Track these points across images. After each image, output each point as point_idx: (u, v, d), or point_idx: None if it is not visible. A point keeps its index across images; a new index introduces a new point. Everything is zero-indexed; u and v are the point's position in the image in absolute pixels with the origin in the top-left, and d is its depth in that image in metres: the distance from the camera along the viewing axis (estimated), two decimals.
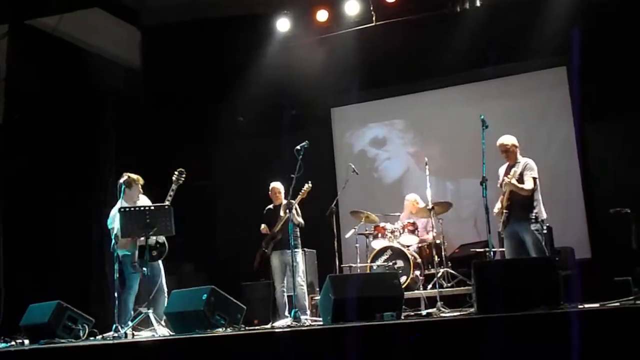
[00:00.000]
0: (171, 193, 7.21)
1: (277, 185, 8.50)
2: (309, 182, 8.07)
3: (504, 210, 6.97)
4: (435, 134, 10.50)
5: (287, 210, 7.71)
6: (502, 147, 7.14)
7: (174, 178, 7.29)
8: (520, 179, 6.92)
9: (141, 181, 7.51)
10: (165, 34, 10.37)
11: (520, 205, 6.90)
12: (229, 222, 10.94)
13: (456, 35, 9.43)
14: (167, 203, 7.05)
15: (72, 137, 9.50)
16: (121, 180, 7.30)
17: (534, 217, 6.84)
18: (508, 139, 7.16)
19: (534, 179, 6.92)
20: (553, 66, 9.89)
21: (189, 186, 7.48)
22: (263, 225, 8.43)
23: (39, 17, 8.88)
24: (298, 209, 8.12)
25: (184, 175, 7.29)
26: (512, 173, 6.91)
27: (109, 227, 7.31)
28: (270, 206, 8.59)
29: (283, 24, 10.14)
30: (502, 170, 7.23)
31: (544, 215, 6.93)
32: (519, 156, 7.12)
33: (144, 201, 7.49)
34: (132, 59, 10.70)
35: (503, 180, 7.11)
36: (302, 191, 8.06)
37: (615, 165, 9.03)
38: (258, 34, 10.22)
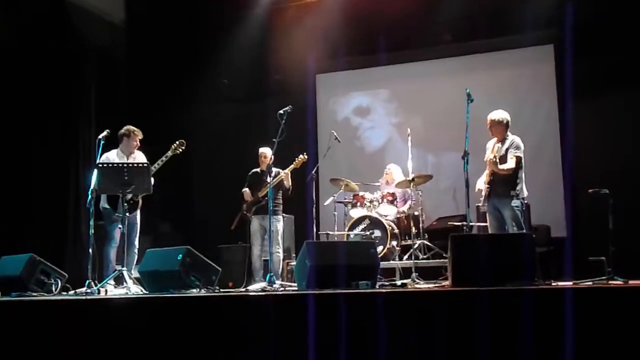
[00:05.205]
0: (163, 159, 7.28)
1: (265, 151, 8.32)
2: (305, 154, 8.03)
3: (486, 185, 6.94)
4: (420, 106, 10.47)
5: (274, 177, 7.84)
6: (490, 123, 6.98)
7: (173, 146, 7.39)
8: (504, 157, 6.84)
9: (140, 135, 7.52)
10: None
11: (502, 181, 6.83)
12: (207, 184, 10.88)
13: (445, 7, 9.35)
14: (154, 165, 7.13)
15: (51, 91, 9.34)
16: (120, 132, 7.51)
17: (515, 194, 6.78)
18: (497, 115, 6.99)
19: (518, 158, 6.81)
20: (540, 43, 9.87)
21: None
22: (246, 190, 8.33)
23: None
24: (289, 175, 8.06)
25: (183, 147, 7.39)
26: (495, 149, 6.86)
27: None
28: (257, 170, 8.45)
29: None
30: (490, 144, 7.09)
31: (525, 194, 6.89)
32: (508, 133, 6.98)
33: (139, 156, 7.62)
34: (116, 14, 10.49)
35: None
36: (296, 161, 8.00)
37: (597, 145, 9.05)
38: None
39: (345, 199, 9.18)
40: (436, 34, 9.97)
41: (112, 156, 7.48)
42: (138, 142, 7.60)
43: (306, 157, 8.07)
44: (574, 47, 8.84)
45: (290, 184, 8.06)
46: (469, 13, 9.30)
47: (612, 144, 8.98)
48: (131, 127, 7.59)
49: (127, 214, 6.99)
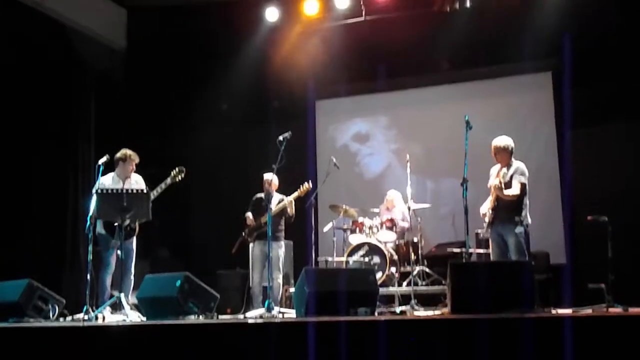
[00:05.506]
0: (162, 186, 7.23)
1: (268, 177, 8.17)
2: (309, 181, 8.04)
3: (490, 211, 6.91)
4: (419, 133, 10.50)
5: (278, 204, 7.87)
6: (495, 149, 6.99)
7: (172, 173, 7.35)
8: (509, 183, 6.83)
9: (136, 159, 7.50)
10: (152, 16, 10.28)
11: (506, 207, 6.82)
12: (206, 208, 10.86)
13: (445, 34, 9.40)
14: (154, 192, 7.09)
15: (51, 114, 9.39)
16: (116, 156, 7.45)
17: (519, 220, 6.76)
18: (502, 141, 6.99)
19: (522, 184, 6.81)
20: (539, 71, 9.93)
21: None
22: (249, 214, 8.16)
23: None
24: (293, 203, 8.02)
25: (183, 174, 7.35)
26: (501, 175, 6.86)
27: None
28: (261, 195, 8.27)
29: (272, 13, 10.08)
30: (494, 170, 7.10)
31: (529, 221, 6.86)
32: (512, 159, 6.98)
33: (136, 179, 7.56)
34: (117, 40, 10.58)
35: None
36: (300, 189, 7.98)
37: (595, 172, 9.06)
38: (246, 21, 10.13)
39: (344, 225, 9.18)
40: (436, 61, 10.03)
41: (107, 181, 7.41)
42: (134, 166, 7.55)
43: (310, 185, 8.06)
44: (572, 75, 8.89)
45: (293, 211, 8.03)
46: (468, 41, 9.34)
47: (610, 171, 8.98)
48: (127, 152, 7.51)
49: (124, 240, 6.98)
